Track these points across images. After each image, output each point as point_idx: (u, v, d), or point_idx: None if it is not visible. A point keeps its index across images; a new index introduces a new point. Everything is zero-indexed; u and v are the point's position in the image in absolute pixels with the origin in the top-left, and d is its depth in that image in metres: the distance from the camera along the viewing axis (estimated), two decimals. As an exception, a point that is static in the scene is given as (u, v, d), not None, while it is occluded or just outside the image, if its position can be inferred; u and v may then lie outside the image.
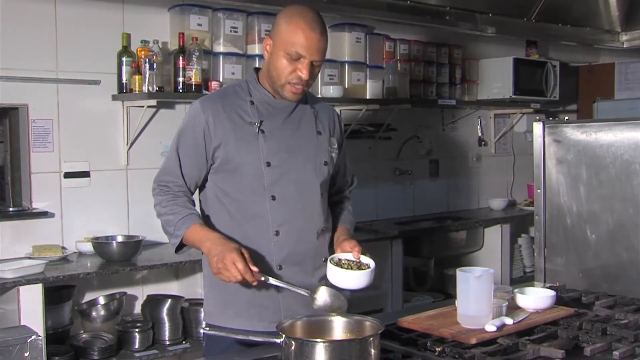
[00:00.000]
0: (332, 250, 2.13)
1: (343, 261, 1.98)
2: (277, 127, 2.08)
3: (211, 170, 2.09)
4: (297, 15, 1.99)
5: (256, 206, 2.05)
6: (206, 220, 2.11)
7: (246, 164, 2.04)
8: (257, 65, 3.64)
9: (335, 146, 2.20)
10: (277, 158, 2.05)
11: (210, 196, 2.12)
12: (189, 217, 2.03)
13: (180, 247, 2.06)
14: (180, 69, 3.60)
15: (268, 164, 2.03)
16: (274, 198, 2.04)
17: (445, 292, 4.70)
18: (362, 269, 1.94)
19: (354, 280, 1.91)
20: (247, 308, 2.07)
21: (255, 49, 3.92)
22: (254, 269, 1.88)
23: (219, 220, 2.09)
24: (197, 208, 2.14)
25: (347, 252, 2.01)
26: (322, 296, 1.88)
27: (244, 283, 2.01)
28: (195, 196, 2.18)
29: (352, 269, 1.94)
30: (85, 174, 3.57)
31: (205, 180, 2.12)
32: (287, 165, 2.06)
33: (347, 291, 1.98)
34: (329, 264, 1.95)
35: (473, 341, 1.73)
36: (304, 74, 1.98)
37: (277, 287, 2.03)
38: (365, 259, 1.99)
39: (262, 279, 1.89)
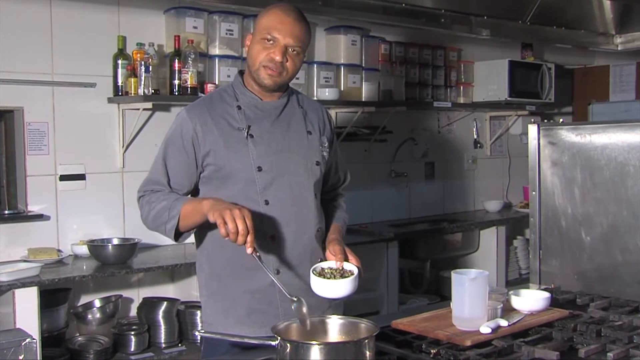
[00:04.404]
0: (323, 246, 2.11)
1: (326, 270, 1.93)
2: (266, 130, 2.06)
3: (201, 180, 2.07)
4: (274, 6, 2.05)
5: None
6: (199, 231, 2.07)
7: (238, 171, 2.01)
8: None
9: (326, 144, 2.17)
10: (268, 162, 2.03)
11: None
12: (183, 197, 2.01)
13: (178, 234, 1.99)
14: (176, 72, 3.61)
15: (259, 169, 2.01)
16: (267, 203, 2.02)
17: (441, 294, 4.71)
18: (345, 277, 1.90)
19: (336, 289, 1.87)
20: (247, 314, 2.05)
21: (251, 51, 3.93)
22: (250, 239, 1.78)
23: (212, 230, 2.04)
24: None
25: (331, 259, 1.98)
26: (301, 307, 1.72)
27: (243, 288, 2.02)
28: None
29: (335, 277, 1.90)
30: (81, 177, 3.57)
31: (196, 190, 2.09)
32: (278, 168, 2.04)
33: (332, 300, 1.96)
34: (311, 274, 1.90)
35: (468, 343, 1.73)
36: (277, 55, 1.98)
37: (275, 293, 2.00)
38: (349, 266, 1.95)
39: (258, 254, 1.80)
